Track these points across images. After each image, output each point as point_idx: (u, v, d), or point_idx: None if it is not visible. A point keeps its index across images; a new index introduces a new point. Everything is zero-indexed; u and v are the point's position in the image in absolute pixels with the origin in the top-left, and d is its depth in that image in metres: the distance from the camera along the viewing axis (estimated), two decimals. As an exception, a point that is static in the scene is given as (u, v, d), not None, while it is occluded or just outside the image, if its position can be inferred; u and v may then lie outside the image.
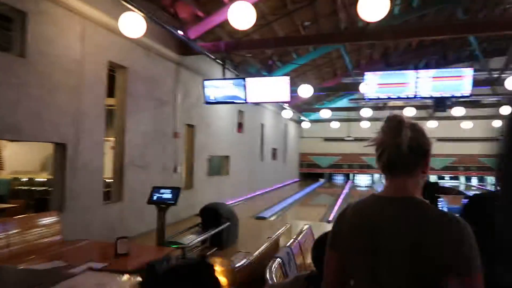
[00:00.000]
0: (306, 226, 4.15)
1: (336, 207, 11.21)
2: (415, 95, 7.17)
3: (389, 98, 7.39)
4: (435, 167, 21.64)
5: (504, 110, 14.12)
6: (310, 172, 23.33)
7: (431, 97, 7.13)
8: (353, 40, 8.03)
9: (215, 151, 10.91)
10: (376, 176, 22.68)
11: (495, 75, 12.28)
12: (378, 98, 7.46)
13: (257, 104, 14.06)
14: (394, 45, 15.06)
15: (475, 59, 14.30)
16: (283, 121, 19.23)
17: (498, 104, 17.82)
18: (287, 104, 16.11)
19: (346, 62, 13.73)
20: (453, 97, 7.10)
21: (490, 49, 15.93)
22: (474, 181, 21.63)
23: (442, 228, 1.08)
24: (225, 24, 9.06)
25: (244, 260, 2.81)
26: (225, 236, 6.11)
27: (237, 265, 2.68)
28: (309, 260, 3.94)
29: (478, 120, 18.67)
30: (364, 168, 22.55)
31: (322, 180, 21.97)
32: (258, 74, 12.23)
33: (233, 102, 8.37)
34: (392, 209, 1.16)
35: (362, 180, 22.72)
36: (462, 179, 21.77)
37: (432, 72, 7.08)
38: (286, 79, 7.95)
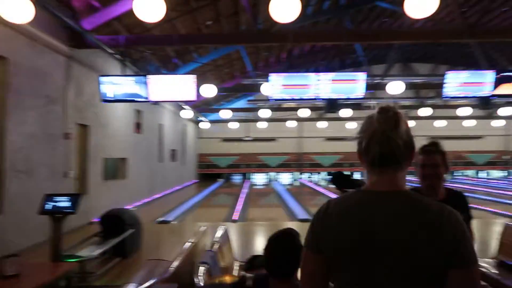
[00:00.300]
0: (222, 228, 4.03)
1: (238, 207, 11.27)
2: (316, 97, 7.56)
3: (293, 99, 7.66)
4: (323, 164, 23.39)
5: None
6: (209, 172, 23.26)
7: (330, 98, 7.59)
8: (259, 42, 8.15)
9: (111, 153, 10.12)
10: (272, 174, 23.62)
11: (376, 81, 13.68)
12: (283, 99, 7.68)
13: (155, 103, 13.47)
14: (289, 49, 15.81)
15: (359, 65, 15.78)
16: (182, 122, 18.81)
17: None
18: (187, 104, 15.81)
19: (246, 64, 13.95)
20: (349, 99, 7.66)
21: (370, 56, 17.76)
22: (357, 175, 23.85)
23: (444, 221, 1.05)
24: (123, 17, 8.46)
25: (169, 269, 2.57)
26: (129, 244, 5.65)
27: (165, 276, 2.44)
28: (232, 263, 3.84)
29: (360, 121, 20.62)
30: (261, 167, 23.33)
31: (220, 181, 22.05)
32: (157, 72, 11.72)
33: (133, 101, 7.84)
34: (387, 204, 1.10)
35: (259, 179, 23.44)
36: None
37: (331, 75, 7.54)
38: (192, 77, 7.72)
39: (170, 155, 16.54)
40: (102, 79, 7.65)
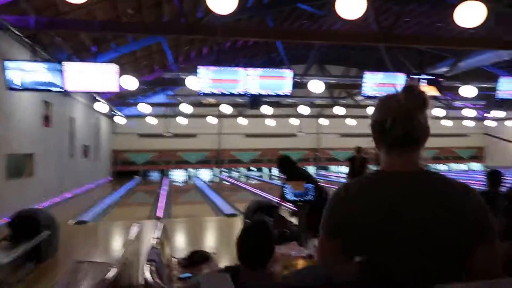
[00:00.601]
0: (160, 225, 3.81)
1: (160, 204, 10.87)
2: (245, 92, 7.57)
3: (222, 93, 7.57)
4: (243, 160, 23.69)
5: (301, 109, 16.42)
6: (125, 170, 22.09)
7: (253, 95, 7.66)
8: (187, 33, 7.89)
9: (16, 149, 9.04)
10: (191, 171, 23.25)
11: (297, 80, 14.17)
12: (212, 93, 7.56)
13: (66, 94, 12.41)
14: (212, 44, 15.66)
15: (280, 64, 16.19)
16: (95, 116, 17.57)
17: (294, 105, 20.77)
18: (101, 97, 14.79)
19: (168, 57, 13.46)
20: (277, 95, 7.80)
21: (289, 56, 18.36)
22: (275, 172, 24.60)
23: (469, 199, 1.08)
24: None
25: (114, 270, 2.33)
26: (45, 248, 5.09)
27: (110, 276, 2.20)
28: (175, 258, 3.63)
29: (279, 118, 21.30)
30: (181, 163, 22.82)
31: (137, 178, 21.07)
32: (70, 60, 10.75)
33: (46, 90, 7.10)
34: (413, 184, 1.09)
35: (179, 176, 22.91)
36: (266, 170, 24.47)
37: (260, 71, 7.61)
38: (115, 67, 7.23)
39: (83, 151, 15.35)
40: (8, 64, 6.80)
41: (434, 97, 9.19)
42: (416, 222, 1.05)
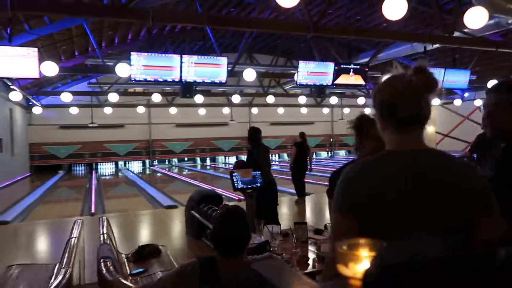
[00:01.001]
0: (104, 220, 3.57)
1: (92, 199, 10.25)
2: (181, 79, 7.35)
3: (156, 80, 7.27)
4: (175, 150, 23.16)
5: (234, 98, 16.44)
6: (45, 164, 20.40)
7: (195, 82, 7.49)
8: (116, 16, 7.36)
9: None
10: (120, 163, 22.21)
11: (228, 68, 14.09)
12: (145, 80, 7.21)
13: (-28, 82, 11.08)
14: (136, 30, 14.94)
15: (211, 52, 15.99)
16: (8, 106, 15.90)
17: (224, 94, 20.71)
18: (14, 85, 13.41)
19: (91, 41, 12.54)
20: (213, 83, 7.69)
21: (218, 44, 18.19)
22: (208, 161, 24.48)
23: (473, 174, 1.15)
24: None
25: (62, 270, 2.13)
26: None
27: (60, 277, 2.00)
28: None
29: (210, 107, 21.08)
30: (108, 156, 21.63)
31: (61, 173, 19.60)
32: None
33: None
34: (423, 162, 1.14)
35: (107, 169, 21.76)
36: (198, 160, 24.20)
37: (195, 58, 7.42)
38: (34, 50, 6.56)
39: (-5, 145, 13.86)
40: None
41: (359, 86, 9.70)
42: (431, 197, 1.09)
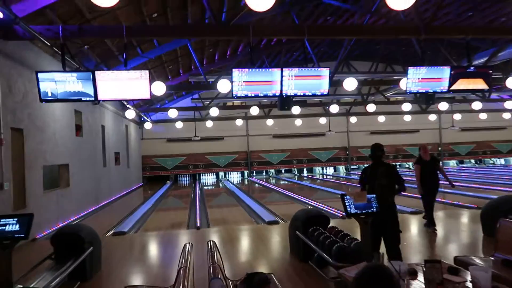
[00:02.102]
0: (212, 245, 3.49)
1: (197, 210, 10.65)
2: (281, 93, 7.20)
3: (256, 96, 7.22)
4: (272, 161, 23.30)
5: (332, 108, 15.92)
6: (154, 175, 22.15)
7: (296, 95, 7.28)
8: (219, 35, 7.59)
9: (51, 160, 8.97)
10: (221, 173, 23.08)
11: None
12: (246, 96, 7.21)
13: (96, 103, 12.39)
14: (234, 46, 15.36)
15: (308, 62, 15.74)
16: (124, 122, 17.58)
17: (321, 104, 20.25)
18: (129, 104, 14.76)
19: (194, 60, 13.22)
20: (314, 95, 7.39)
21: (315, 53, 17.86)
22: (305, 172, 24.18)
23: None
24: (56, 5, 7.42)
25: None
26: (89, 265, 4.87)
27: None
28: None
29: (306, 118, 20.82)
30: (209, 167, 22.66)
31: (169, 183, 21.06)
32: (98, 69, 10.68)
33: (78, 100, 6.89)
34: None
35: (208, 179, 22.80)
36: (295, 171, 24.02)
37: (295, 71, 7.19)
38: (146, 73, 6.98)
39: (114, 159, 15.35)
40: (41, 75, 6.63)
41: (480, 91, 8.53)
42: None
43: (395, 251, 4.08)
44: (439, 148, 24.82)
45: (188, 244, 3.60)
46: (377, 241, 4.18)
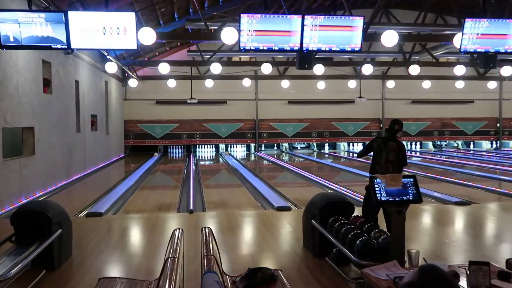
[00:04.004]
0: (207, 231, 3.55)
1: (190, 189, 10.78)
2: (301, 47, 7.11)
3: (270, 49, 7.15)
4: (287, 134, 23.32)
5: (364, 68, 15.73)
6: (139, 145, 22.34)
7: (320, 50, 7.20)
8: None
9: (13, 121, 9.07)
10: (222, 146, 23.20)
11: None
12: (257, 49, 7.14)
13: (68, 52, 12.38)
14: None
15: (335, 8, 15.43)
16: (103, 78, 17.60)
17: (351, 63, 20.01)
18: (110, 55, 14.71)
19: (193, 0, 13.03)
20: (342, 51, 7.30)
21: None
22: (327, 148, 24.21)
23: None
24: None
25: None
26: (57, 251, 4.99)
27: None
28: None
29: (332, 80, 20.62)
30: (207, 137, 22.74)
31: (157, 155, 21.25)
32: (72, 9, 10.61)
33: (48, 48, 6.90)
34: None
35: (206, 152, 22.98)
36: (314, 146, 24.05)
37: (320, 19, 7.08)
38: (131, 16, 6.92)
39: (90, 123, 15.47)
40: (1, 15, 6.61)
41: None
42: None
43: None
44: (498, 125, 24.57)
45: (178, 231, 3.67)
46: (374, 213, 4.77)
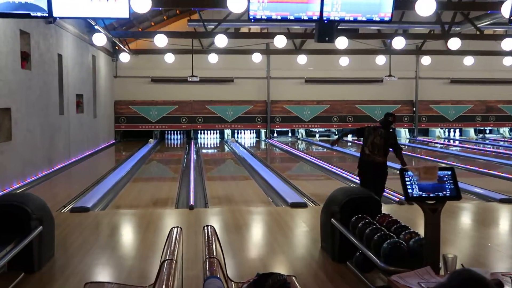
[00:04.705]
0: (209, 230, 3.58)
1: (191, 182, 10.86)
2: (321, 16, 7.08)
3: (284, 18, 7.14)
4: (303, 118, 23.30)
5: (396, 42, 15.64)
6: (132, 129, 22.46)
7: (343, 20, 7.19)
8: None
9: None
10: (227, 131, 23.26)
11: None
12: (269, 19, 7.13)
13: (50, 21, 12.44)
14: None
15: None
16: (90, 52, 17.68)
17: (380, 35, 19.87)
18: (98, 25, 14.73)
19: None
20: (370, 21, 7.27)
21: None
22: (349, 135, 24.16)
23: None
24: None
25: None
26: (38, 250, 5.06)
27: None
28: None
29: (357, 56, 20.52)
30: (211, 121, 22.78)
31: (152, 142, 21.36)
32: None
33: (27, 16, 6.95)
34: None
35: (209, 139, 23.05)
36: (335, 132, 24.03)
37: (343, -16, 7.05)
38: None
39: (76, 104, 15.58)
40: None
41: None
42: None
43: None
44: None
45: (176, 229, 3.70)
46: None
